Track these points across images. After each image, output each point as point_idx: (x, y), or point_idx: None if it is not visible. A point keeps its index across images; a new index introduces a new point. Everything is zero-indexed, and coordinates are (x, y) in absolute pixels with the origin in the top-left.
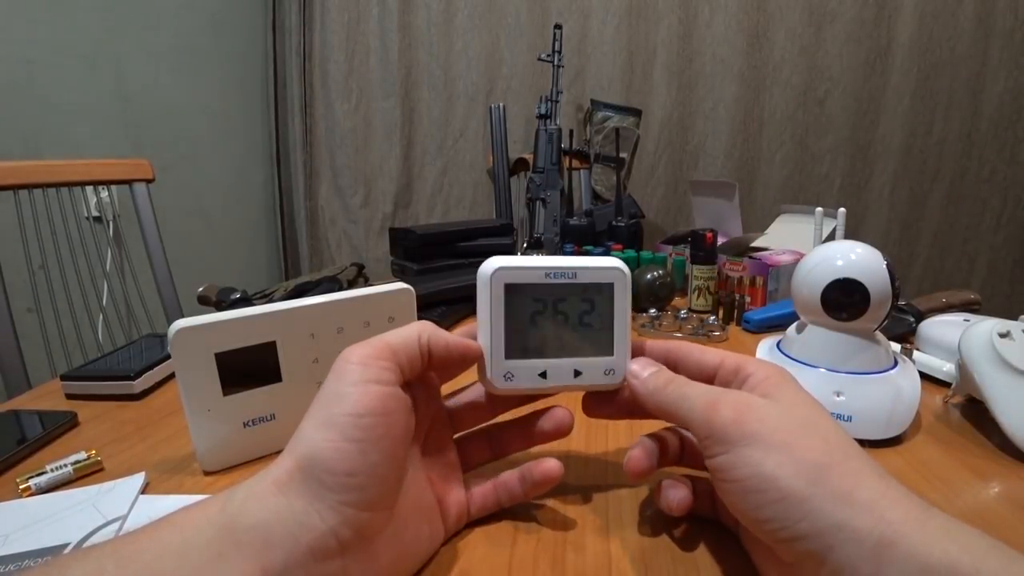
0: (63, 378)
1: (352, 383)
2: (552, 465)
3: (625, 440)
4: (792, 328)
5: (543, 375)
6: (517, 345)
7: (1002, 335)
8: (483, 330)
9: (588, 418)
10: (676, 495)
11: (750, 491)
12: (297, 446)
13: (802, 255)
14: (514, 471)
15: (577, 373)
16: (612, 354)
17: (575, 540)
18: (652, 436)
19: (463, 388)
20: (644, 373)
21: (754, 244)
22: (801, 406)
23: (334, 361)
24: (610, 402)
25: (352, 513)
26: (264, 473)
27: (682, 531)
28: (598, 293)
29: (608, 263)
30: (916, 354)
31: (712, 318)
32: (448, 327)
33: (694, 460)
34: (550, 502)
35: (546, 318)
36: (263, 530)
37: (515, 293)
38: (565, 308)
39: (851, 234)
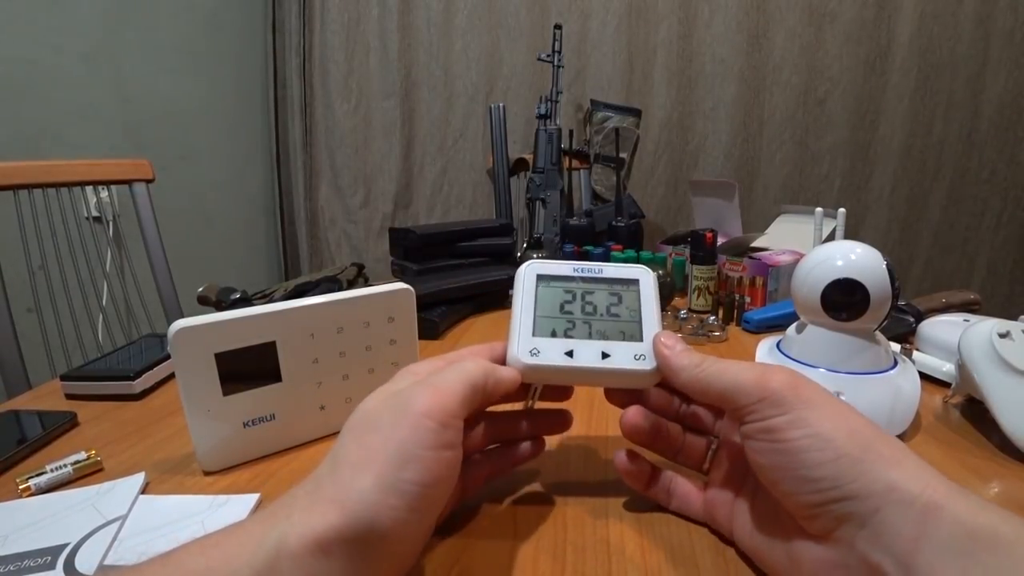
0: (63, 378)
1: (427, 447)
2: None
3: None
4: (792, 328)
5: (569, 354)
6: (544, 326)
7: (1002, 335)
8: (514, 317)
9: (588, 419)
10: (621, 456)
11: (806, 450)
12: (349, 502)
13: (802, 255)
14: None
15: (605, 355)
16: (642, 340)
17: (575, 540)
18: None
19: None
20: (676, 347)
21: (754, 244)
22: (831, 395)
23: (395, 380)
24: (634, 393)
25: (388, 573)
26: (299, 520)
27: (682, 531)
28: (624, 288)
29: (633, 266)
30: (916, 354)
31: (712, 318)
32: (448, 327)
33: (688, 458)
34: (550, 502)
35: (574, 306)
36: None
37: (545, 282)
38: (593, 299)
39: (851, 234)
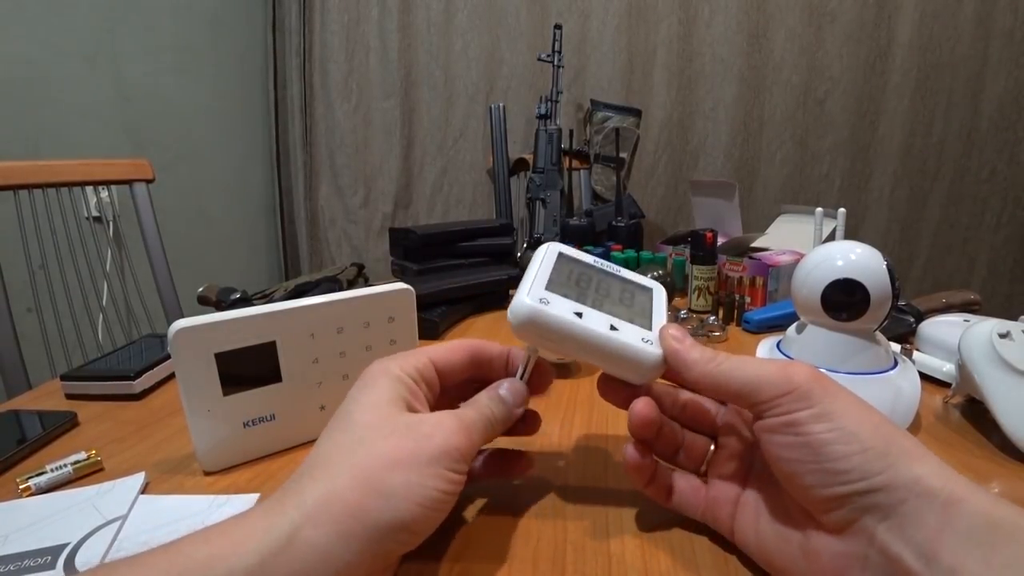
0: (63, 378)
1: (452, 468)
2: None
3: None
4: (792, 328)
5: (579, 315)
6: (557, 287)
7: (1002, 335)
8: (526, 277)
9: (588, 419)
10: (630, 450)
11: (832, 443)
12: (375, 488)
13: (802, 255)
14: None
15: (613, 328)
16: (651, 329)
17: (575, 540)
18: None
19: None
20: (685, 341)
21: (754, 244)
22: (850, 391)
23: (373, 384)
24: (630, 389)
25: (395, 556)
26: (313, 503)
27: (682, 531)
28: (638, 289)
29: (649, 280)
30: (916, 354)
31: (712, 318)
32: (448, 327)
33: (687, 458)
34: (550, 502)
35: (589, 284)
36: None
37: (564, 259)
38: (607, 287)
39: (851, 234)
